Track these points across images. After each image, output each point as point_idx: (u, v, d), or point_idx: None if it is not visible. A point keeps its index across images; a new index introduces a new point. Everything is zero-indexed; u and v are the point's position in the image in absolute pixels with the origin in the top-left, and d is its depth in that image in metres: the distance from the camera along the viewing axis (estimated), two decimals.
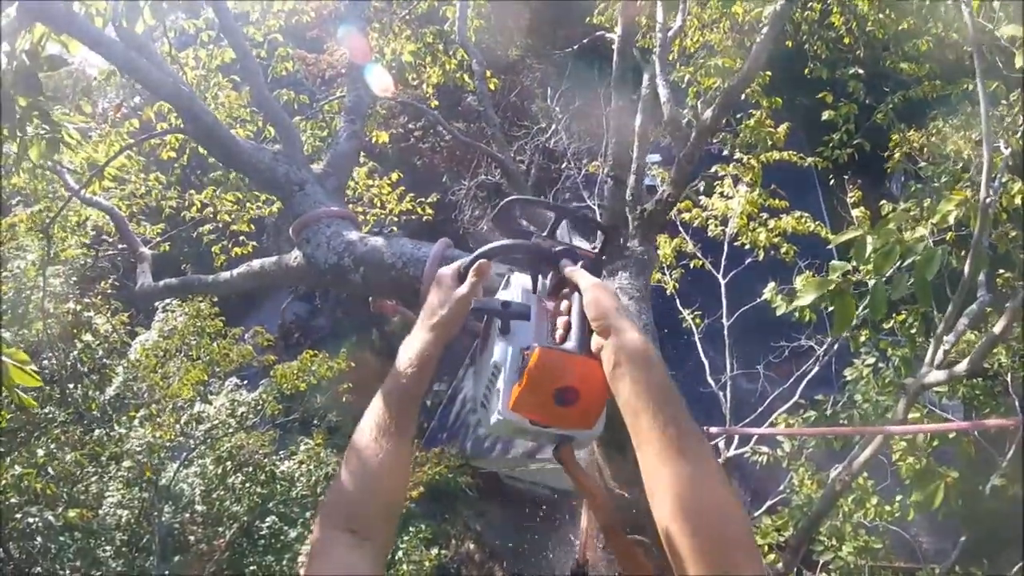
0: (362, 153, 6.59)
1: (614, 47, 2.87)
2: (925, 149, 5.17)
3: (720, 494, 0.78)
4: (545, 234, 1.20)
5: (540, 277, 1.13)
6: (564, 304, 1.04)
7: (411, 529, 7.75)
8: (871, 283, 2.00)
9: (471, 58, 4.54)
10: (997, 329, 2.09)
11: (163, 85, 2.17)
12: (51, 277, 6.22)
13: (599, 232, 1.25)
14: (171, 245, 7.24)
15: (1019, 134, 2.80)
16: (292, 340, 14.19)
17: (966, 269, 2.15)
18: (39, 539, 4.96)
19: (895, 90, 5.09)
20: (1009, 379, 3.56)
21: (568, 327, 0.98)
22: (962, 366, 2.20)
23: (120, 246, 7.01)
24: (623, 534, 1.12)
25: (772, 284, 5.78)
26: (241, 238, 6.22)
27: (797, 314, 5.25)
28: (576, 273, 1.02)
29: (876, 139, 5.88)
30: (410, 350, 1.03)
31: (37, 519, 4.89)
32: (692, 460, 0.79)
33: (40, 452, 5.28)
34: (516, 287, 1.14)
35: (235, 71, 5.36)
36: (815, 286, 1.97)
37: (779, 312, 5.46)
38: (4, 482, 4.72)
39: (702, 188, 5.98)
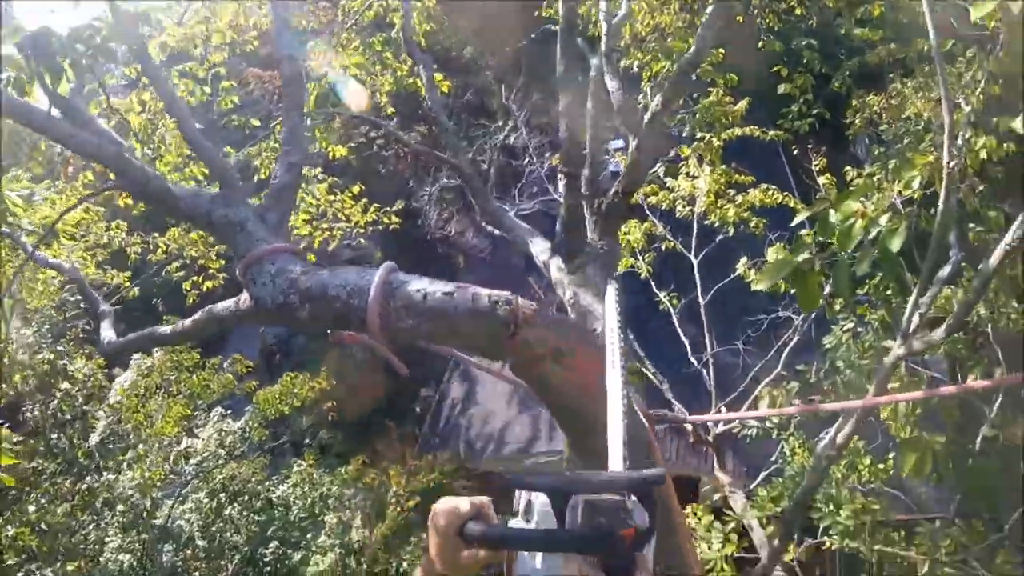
0: (320, 169, 6.53)
1: None
2: (885, 113, 5.22)
3: None
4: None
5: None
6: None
7: (412, 539, 7.72)
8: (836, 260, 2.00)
9: (418, 64, 4.49)
10: (974, 288, 2.10)
11: (86, 146, 2.13)
12: (23, 329, 6.09)
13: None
14: (140, 290, 7.15)
15: (979, 90, 2.82)
16: (274, 362, 14.01)
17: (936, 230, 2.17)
18: None
19: (850, 56, 5.12)
20: (990, 330, 3.60)
21: None
22: (939, 333, 2.21)
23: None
24: None
25: (744, 259, 5.85)
26: (211, 271, 6.13)
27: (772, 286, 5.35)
28: None
29: (836, 106, 5.94)
30: None
31: None
32: None
33: (32, 508, 5.16)
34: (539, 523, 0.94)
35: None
36: (775, 268, 1.97)
37: (754, 287, 5.54)
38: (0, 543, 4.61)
39: (662, 172, 5.99)
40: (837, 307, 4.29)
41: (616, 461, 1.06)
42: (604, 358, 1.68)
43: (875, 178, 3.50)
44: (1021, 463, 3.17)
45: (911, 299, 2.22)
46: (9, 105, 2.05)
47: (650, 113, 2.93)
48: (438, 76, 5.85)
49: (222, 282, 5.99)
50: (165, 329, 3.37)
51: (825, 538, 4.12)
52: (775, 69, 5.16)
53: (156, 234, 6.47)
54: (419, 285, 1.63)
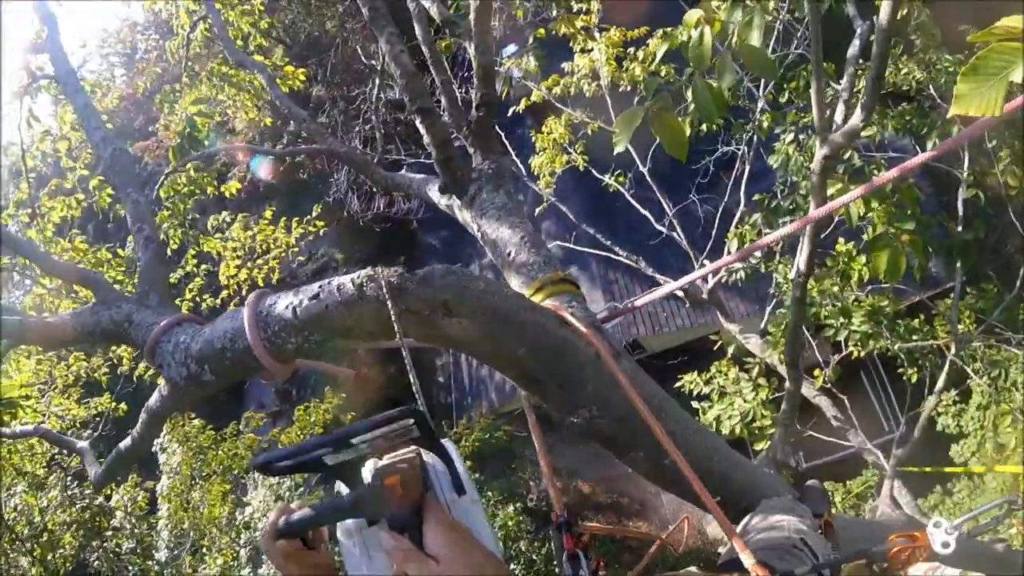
0: (227, 212, 6.26)
1: None
2: None
3: None
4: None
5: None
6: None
7: (482, 503, 7.83)
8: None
9: (252, 71, 4.14)
10: (875, 56, 1.85)
11: None
12: (49, 492, 6.17)
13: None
14: (128, 405, 7.12)
15: None
16: (292, 398, 14.04)
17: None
18: None
19: None
20: (933, 91, 3.34)
21: None
22: (856, 117, 2.00)
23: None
24: None
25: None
26: None
27: (704, 127, 5.10)
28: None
29: None
30: None
31: None
32: None
33: None
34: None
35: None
36: (625, 122, 1.76)
37: (615, 150, 5.27)
38: None
39: (536, 61, 5.66)
40: (766, 123, 4.06)
41: None
42: (489, 288, 1.56)
43: None
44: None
45: (812, 90, 1.99)
46: None
47: (473, 12, 2.64)
48: (289, 69, 5.48)
49: None
50: (126, 442, 3.29)
51: (851, 349, 4.04)
52: None
53: (114, 347, 6.36)
54: (287, 301, 1.56)
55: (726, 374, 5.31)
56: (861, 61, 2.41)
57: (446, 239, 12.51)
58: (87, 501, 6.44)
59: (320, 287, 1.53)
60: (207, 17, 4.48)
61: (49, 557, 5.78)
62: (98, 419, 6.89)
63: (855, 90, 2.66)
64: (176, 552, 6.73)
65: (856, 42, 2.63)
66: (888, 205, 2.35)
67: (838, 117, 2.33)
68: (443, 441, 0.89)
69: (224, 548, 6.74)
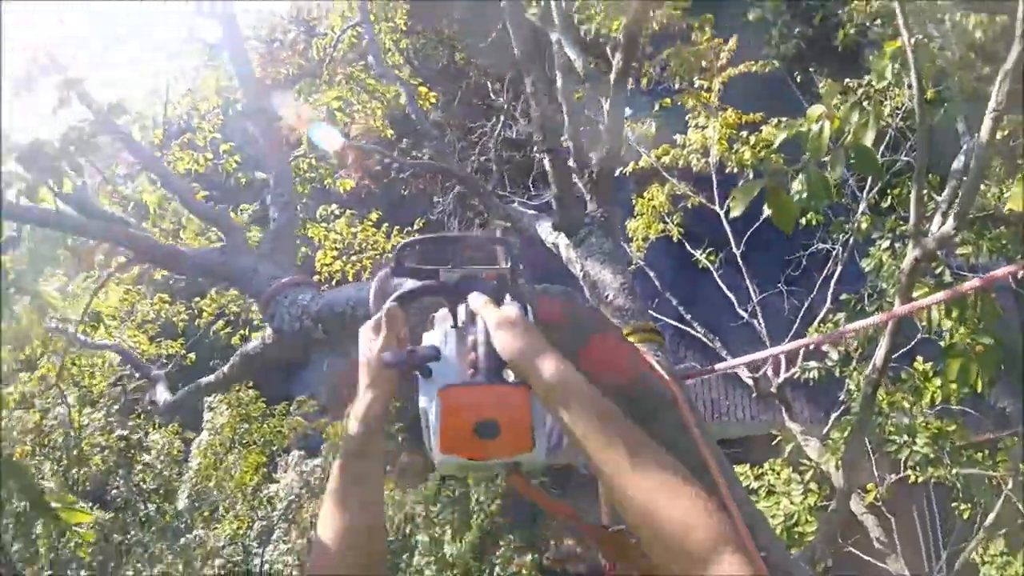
0: (336, 205, 6.69)
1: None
2: (872, 15, 4.91)
3: (678, 504, 0.75)
4: (451, 265, 1.17)
5: (458, 310, 1.10)
6: (470, 339, 1.01)
7: (501, 544, 7.77)
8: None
9: (392, 85, 4.53)
10: (972, 172, 1.94)
11: (95, 230, 2.31)
12: (94, 413, 6.47)
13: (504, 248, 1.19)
14: (197, 354, 7.53)
15: None
16: (344, 396, 14.40)
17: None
18: None
19: None
20: None
21: (476, 361, 0.96)
22: (949, 225, 2.06)
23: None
24: (602, 528, 1.09)
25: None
26: (256, 322, 6.34)
27: (803, 220, 5.11)
28: (481, 310, 0.98)
29: (831, 23, 5.66)
30: (353, 416, 1.03)
31: None
32: (641, 476, 0.78)
33: (130, 574, 5.45)
34: (439, 325, 1.12)
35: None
36: (744, 191, 1.88)
37: (732, 215, 5.28)
38: None
39: (655, 128, 5.85)
40: (865, 224, 4.07)
41: None
42: (588, 314, 1.65)
43: (871, 81, 3.28)
44: None
45: (912, 197, 2.07)
46: (15, 210, 2.22)
47: (614, 74, 2.86)
48: (423, 90, 5.91)
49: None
50: (209, 378, 3.56)
51: (908, 471, 3.90)
52: None
53: (198, 298, 6.78)
54: (410, 285, 1.72)
55: (778, 473, 5.17)
56: (964, 178, 2.46)
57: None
58: (127, 432, 6.72)
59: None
60: (360, 24, 4.92)
61: (73, 471, 5.93)
62: (165, 361, 7.30)
63: (953, 203, 2.69)
64: (196, 505, 6.87)
65: (961, 157, 2.67)
66: (973, 313, 2.34)
67: (935, 227, 2.38)
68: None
69: (241, 516, 6.83)
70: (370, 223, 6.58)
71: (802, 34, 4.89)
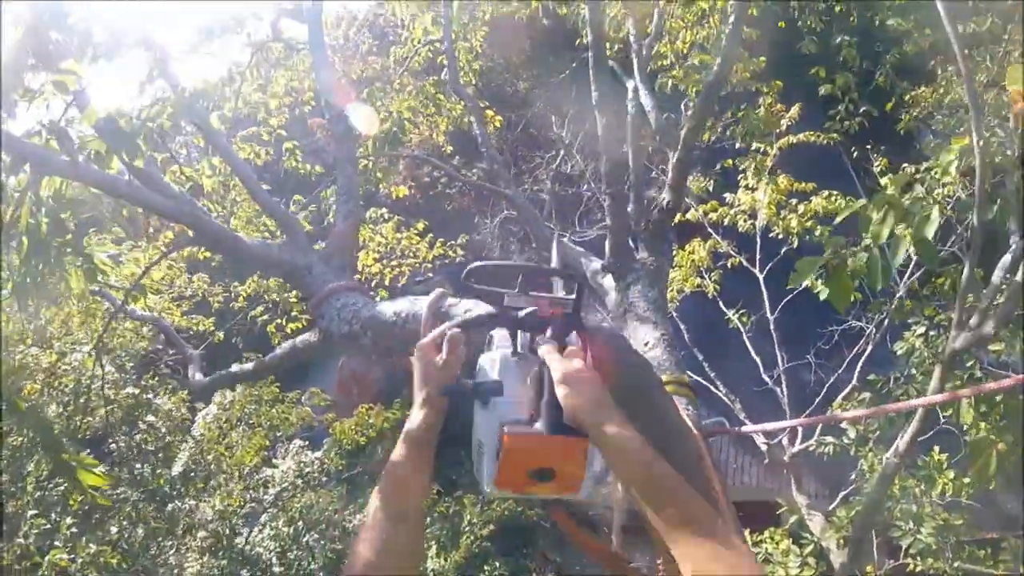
0: (385, 209, 6.87)
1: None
2: (936, 102, 4.96)
3: (731, 566, 0.78)
4: (516, 291, 1.20)
5: (519, 335, 1.14)
6: (530, 370, 1.04)
7: (486, 568, 7.71)
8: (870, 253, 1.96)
9: (466, 103, 4.69)
10: (1020, 276, 2.00)
11: (164, 207, 2.42)
12: (108, 365, 6.60)
13: (568, 281, 1.20)
14: (224, 334, 7.68)
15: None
16: (352, 395, 14.48)
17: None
18: None
19: (888, 49, 4.93)
20: None
21: (540, 408, 0.99)
22: (990, 325, 2.11)
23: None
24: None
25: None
26: (293, 312, 6.49)
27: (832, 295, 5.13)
28: (548, 358, 1.01)
29: (888, 101, 5.73)
30: (406, 432, 1.08)
31: None
32: (696, 540, 0.81)
33: (114, 530, 5.50)
34: (497, 347, 1.16)
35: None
36: (810, 264, 1.95)
37: (822, 297, 5.32)
38: (81, 560, 4.93)
39: (711, 188, 5.92)
40: (907, 308, 4.08)
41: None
42: (636, 361, 1.68)
43: (932, 171, 3.34)
44: None
45: (960, 289, 2.12)
46: (93, 177, 2.35)
47: (685, 130, 2.97)
48: (489, 112, 6.08)
49: (304, 323, 6.33)
50: (248, 365, 3.65)
51: (908, 559, 3.85)
52: (814, 71, 5.03)
53: (236, 283, 6.96)
54: (465, 306, 1.74)
55: (777, 543, 5.11)
56: (1008, 276, 2.51)
57: None
58: (137, 390, 6.82)
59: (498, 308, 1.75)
60: (441, 41, 5.10)
61: (76, 417, 5.91)
62: (194, 337, 7.42)
63: (994, 301, 2.72)
64: (191, 475, 6.91)
65: (1008, 256, 2.71)
66: (997, 411, 2.36)
67: (974, 321, 2.42)
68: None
69: (233, 494, 6.87)
70: (415, 232, 6.73)
71: (867, 113, 4.96)
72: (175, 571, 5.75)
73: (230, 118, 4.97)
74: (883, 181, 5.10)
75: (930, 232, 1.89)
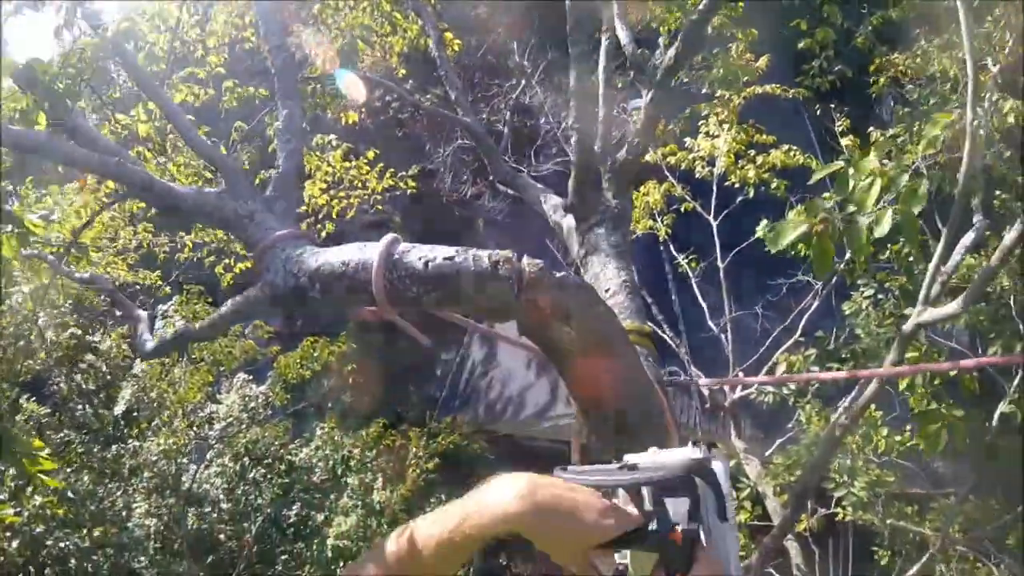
0: (335, 136, 6.47)
1: None
2: (910, 71, 4.95)
3: None
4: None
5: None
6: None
7: (431, 500, 7.87)
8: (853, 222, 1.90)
9: (424, 23, 4.37)
10: (994, 260, 2.00)
11: (87, 161, 2.18)
12: (48, 308, 6.24)
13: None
14: (170, 288, 7.29)
15: (1007, 51, 2.64)
16: (296, 328, 14.21)
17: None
18: (73, 561, 5.05)
19: (873, 11, 4.84)
20: (1012, 302, 3.46)
21: None
22: (956, 304, 2.12)
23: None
24: None
25: (764, 222, 5.69)
26: (240, 253, 6.15)
27: (792, 251, 5.20)
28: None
29: (860, 64, 5.68)
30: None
31: (68, 543, 4.97)
32: None
33: (59, 478, 5.33)
34: None
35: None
36: (793, 226, 1.88)
37: (772, 250, 5.37)
38: (28, 513, 4.78)
39: (678, 132, 5.81)
40: (858, 273, 4.16)
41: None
42: (603, 313, 1.60)
43: (899, 139, 3.33)
44: None
45: (931, 266, 2.12)
46: (8, 135, 2.08)
47: (663, 69, 2.80)
48: (448, 35, 5.71)
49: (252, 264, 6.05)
50: (194, 326, 3.42)
51: (839, 509, 4.08)
52: (795, 23, 4.89)
53: (182, 233, 6.54)
54: (421, 253, 1.62)
55: None
56: (970, 254, 2.53)
57: (509, 227, 12.52)
58: (79, 332, 6.53)
59: (457, 251, 1.58)
60: None
61: (14, 357, 5.77)
62: (139, 290, 7.01)
63: (953, 275, 2.75)
64: (134, 414, 6.73)
65: (972, 235, 2.74)
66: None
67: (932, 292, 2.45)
68: (717, 463, 0.87)
69: (178, 432, 6.74)
70: (365, 161, 6.39)
71: (840, 72, 4.89)
72: (122, 514, 5.62)
73: (164, 59, 4.52)
74: (844, 141, 5.10)
75: (916, 208, 1.84)
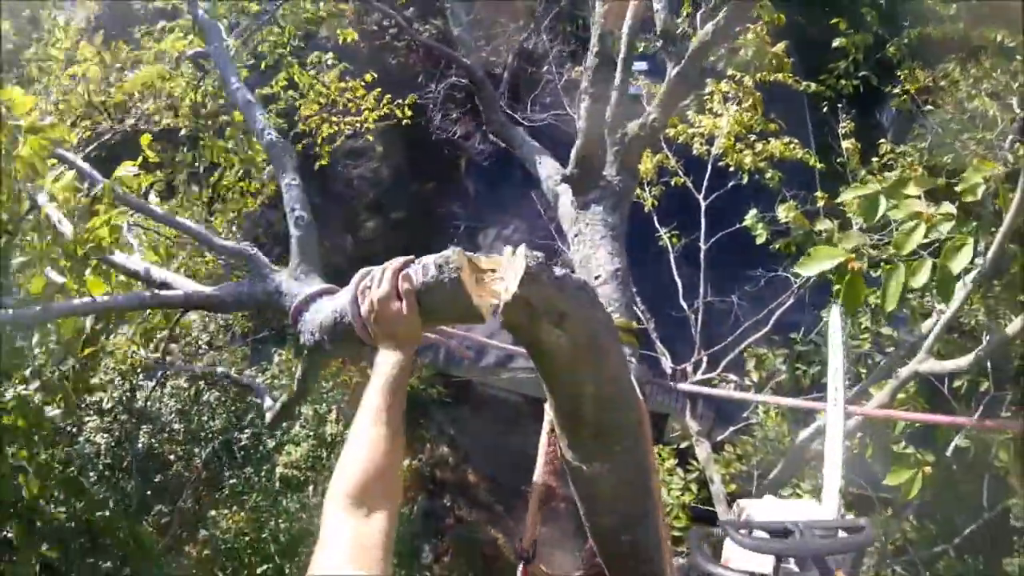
0: (332, 54, 6.12)
1: None
2: (931, 91, 4.88)
3: None
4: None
5: None
6: None
7: None
8: (884, 266, 1.84)
9: None
10: (1011, 330, 1.98)
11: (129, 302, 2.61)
12: None
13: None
14: None
15: None
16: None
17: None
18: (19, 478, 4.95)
19: (913, 25, 4.72)
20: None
21: None
22: (967, 360, 2.10)
23: None
24: None
25: (754, 211, 5.65)
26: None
27: (778, 245, 5.18)
28: None
29: (882, 73, 5.56)
30: (384, 376, 1.26)
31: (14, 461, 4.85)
32: None
33: (9, 395, 5.17)
34: None
35: None
36: (823, 256, 1.81)
37: (759, 240, 5.35)
38: None
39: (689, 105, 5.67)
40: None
41: (831, 507, 1.38)
42: (600, 318, 1.51)
43: (908, 159, 3.29)
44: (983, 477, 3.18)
45: (943, 318, 2.11)
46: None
47: (698, 42, 2.63)
48: None
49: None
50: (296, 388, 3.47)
51: None
52: (835, 22, 4.74)
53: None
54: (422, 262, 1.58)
55: (664, 460, 5.45)
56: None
57: (494, 173, 12.25)
58: None
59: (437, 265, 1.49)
60: None
61: None
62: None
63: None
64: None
65: (974, 274, 2.75)
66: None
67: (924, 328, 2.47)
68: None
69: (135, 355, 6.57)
70: (361, 84, 6.06)
71: (866, 79, 4.80)
72: (72, 429, 5.49)
73: None
74: (845, 144, 5.00)
75: (958, 266, 1.77)
